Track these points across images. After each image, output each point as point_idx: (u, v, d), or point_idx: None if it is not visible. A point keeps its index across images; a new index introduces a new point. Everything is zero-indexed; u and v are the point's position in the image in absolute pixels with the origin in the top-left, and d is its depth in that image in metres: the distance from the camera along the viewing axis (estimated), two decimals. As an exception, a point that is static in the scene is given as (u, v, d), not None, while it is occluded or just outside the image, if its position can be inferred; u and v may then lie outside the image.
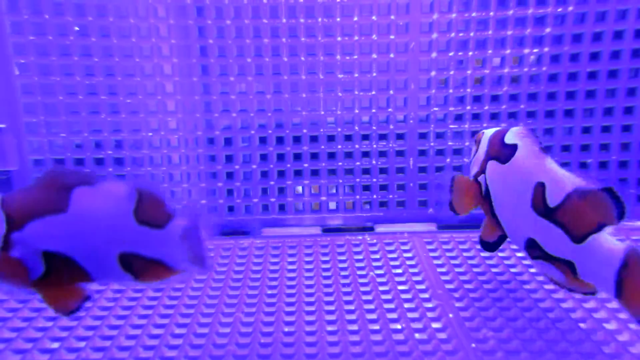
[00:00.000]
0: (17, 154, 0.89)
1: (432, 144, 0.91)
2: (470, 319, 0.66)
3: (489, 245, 0.65)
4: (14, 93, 0.86)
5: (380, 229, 0.93)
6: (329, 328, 0.64)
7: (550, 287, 0.72)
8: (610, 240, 0.50)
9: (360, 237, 0.89)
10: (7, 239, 0.41)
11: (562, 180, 0.52)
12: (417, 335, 0.62)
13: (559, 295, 0.70)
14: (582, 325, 0.63)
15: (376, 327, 0.64)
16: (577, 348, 0.59)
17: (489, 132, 0.64)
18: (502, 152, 0.58)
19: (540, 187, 0.53)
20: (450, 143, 0.91)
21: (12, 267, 0.41)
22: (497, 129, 0.64)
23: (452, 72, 0.88)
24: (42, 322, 0.66)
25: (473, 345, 0.60)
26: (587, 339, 0.60)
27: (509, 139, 0.59)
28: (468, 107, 0.90)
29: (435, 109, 0.90)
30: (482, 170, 0.61)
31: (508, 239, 0.63)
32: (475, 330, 0.63)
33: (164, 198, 0.47)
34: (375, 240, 0.88)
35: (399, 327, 0.64)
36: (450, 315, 0.66)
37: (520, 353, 0.58)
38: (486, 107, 0.90)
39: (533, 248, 0.56)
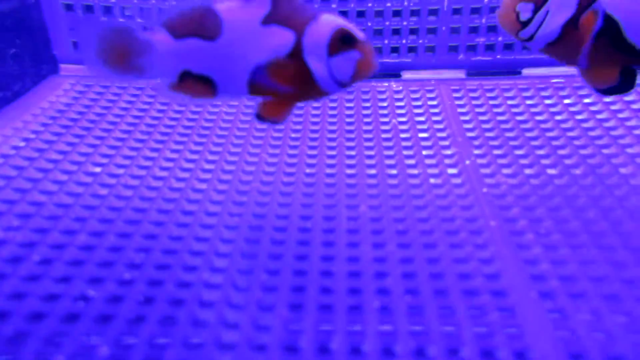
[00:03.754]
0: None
1: (469, -18, 0.84)
2: (486, 166, 0.67)
3: (617, 88, 0.53)
4: None
5: (407, 75, 0.91)
6: (348, 171, 0.67)
7: (573, 133, 0.72)
8: None
9: (386, 84, 0.89)
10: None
11: None
12: (432, 180, 0.65)
13: (580, 142, 0.70)
14: (598, 170, 0.64)
15: (393, 171, 0.67)
16: (588, 192, 0.61)
17: None
18: None
19: None
20: (489, -19, 0.84)
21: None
22: None
23: None
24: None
25: (485, 190, 0.63)
26: (600, 182, 0.62)
27: None
28: (515, -62, 0.80)
29: (477, -60, 0.81)
30: (585, 6, 0.51)
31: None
32: (490, 177, 0.65)
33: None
34: (401, 87, 0.88)
35: (415, 172, 0.67)
36: (467, 162, 0.68)
37: (530, 197, 0.61)
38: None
39: None
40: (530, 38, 0.54)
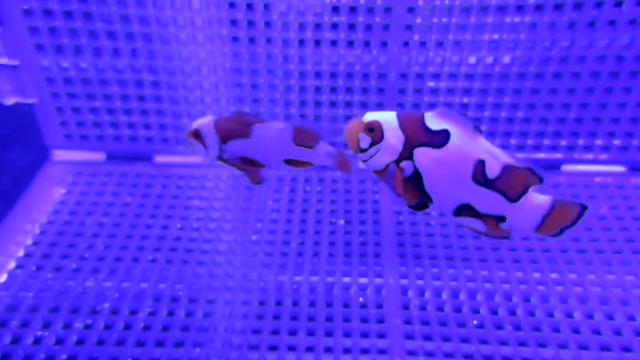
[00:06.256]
0: (34, 87, 0.98)
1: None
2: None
3: (419, 206, 0.74)
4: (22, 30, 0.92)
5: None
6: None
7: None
8: (536, 197, 0.68)
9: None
10: (221, 148, 0.73)
11: (497, 157, 0.66)
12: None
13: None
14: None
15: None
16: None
17: (389, 120, 0.69)
18: (434, 138, 0.67)
19: (481, 163, 0.66)
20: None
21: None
22: (390, 114, 0.70)
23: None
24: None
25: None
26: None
27: (436, 125, 0.67)
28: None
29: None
30: (404, 157, 0.69)
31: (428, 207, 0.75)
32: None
33: (313, 130, 0.74)
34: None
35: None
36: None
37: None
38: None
39: (464, 210, 0.70)
40: (365, 162, 0.72)
